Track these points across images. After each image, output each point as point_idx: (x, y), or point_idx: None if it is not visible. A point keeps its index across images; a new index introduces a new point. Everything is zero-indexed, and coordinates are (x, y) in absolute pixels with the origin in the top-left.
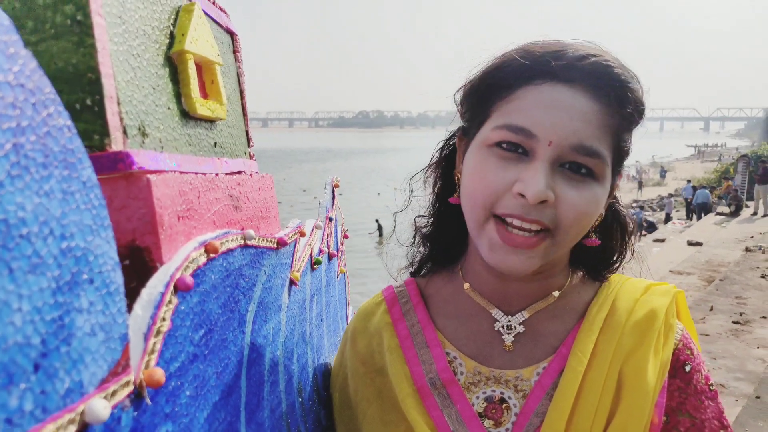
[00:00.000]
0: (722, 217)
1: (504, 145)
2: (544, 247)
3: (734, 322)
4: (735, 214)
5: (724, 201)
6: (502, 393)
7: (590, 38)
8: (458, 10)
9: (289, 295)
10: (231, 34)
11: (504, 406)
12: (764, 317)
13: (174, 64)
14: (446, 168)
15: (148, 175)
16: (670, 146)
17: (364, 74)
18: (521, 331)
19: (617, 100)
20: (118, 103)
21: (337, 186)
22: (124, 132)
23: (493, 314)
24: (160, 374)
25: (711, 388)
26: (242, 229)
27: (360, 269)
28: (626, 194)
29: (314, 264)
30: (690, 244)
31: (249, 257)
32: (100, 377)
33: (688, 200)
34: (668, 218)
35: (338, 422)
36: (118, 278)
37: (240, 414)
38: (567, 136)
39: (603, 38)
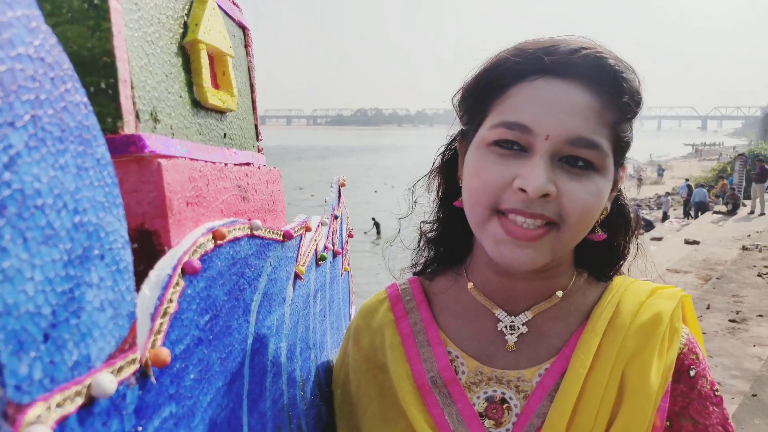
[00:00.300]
0: (719, 215)
1: (502, 143)
2: (549, 240)
3: (731, 321)
4: (732, 212)
5: (721, 200)
6: (503, 393)
7: (590, 37)
8: (458, 10)
9: (294, 288)
10: (243, 28)
11: (505, 406)
12: (761, 315)
13: (187, 54)
14: (448, 172)
15: (159, 160)
16: (667, 145)
17: (362, 72)
18: (524, 332)
19: (612, 90)
20: (132, 88)
21: (343, 185)
22: (137, 116)
23: (496, 314)
24: (165, 354)
25: (716, 393)
26: (249, 220)
27: (355, 269)
28: (624, 192)
29: (319, 260)
30: (687, 242)
31: (255, 247)
32: (107, 352)
33: (685, 199)
34: (665, 217)
35: (339, 418)
36: (127, 256)
37: (243, 402)
38: (563, 129)
39: (603, 38)
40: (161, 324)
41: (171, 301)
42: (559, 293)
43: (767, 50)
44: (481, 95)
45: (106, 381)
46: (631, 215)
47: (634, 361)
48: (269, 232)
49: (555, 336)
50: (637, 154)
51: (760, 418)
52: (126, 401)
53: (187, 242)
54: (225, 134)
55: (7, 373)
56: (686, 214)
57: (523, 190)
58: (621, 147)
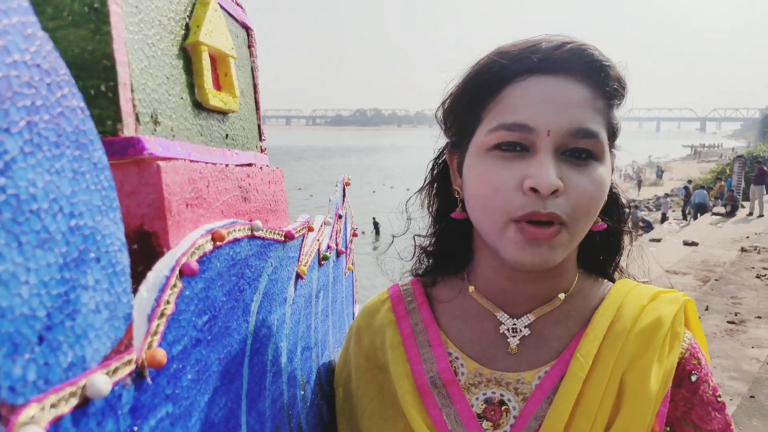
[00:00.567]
0: (718, 217)
1: (503, 146)
2: (562, 239)
3: (729, 322)
4: (731, 214)
5: (720, 201)
6: (501, 395)
7: (589, 38)
8: (458, 10)
9: (295, 288)
10: (246, 28)
11: (503, 408)
12: (759, 317)
13: (188, 56)
14: (441, 186)
15: (159, 162)
16: (666, 146)
17: (362, 72)
18: (526, 335)
19: (600, 79)
20: (132, 90)
21: (348, 184)
22: (137, 119)
23: (498, 317)
24: (161, 355)
25: (719, 399)
26: (250, 220)
27: (361, 272)
28: (623, 194)
29: (322, 259)
30: (686, 244)
31: (256, 248)
32: (102, 354)
33: (683, 200)
34: (664, 218)
35: (340, 417)
36: (124, 259)
37: (241, 401)
38: (564, 122)
39: (601, 38)
40: (158, 325)
41: (168, 302)
42: (562, 296)
43: (767, 52)
44: (470, 103)
45: (101, 382)
46: (624, 201)
47: (634, 366)
48: (270, 232)
49: (556, 339)
50: (636, 155)
51: (758, 420)
52: (122, 401)
53: (186, 244)
54: (227, 135)
55: (1, 375)
56: (684, 216)
57: (534, 190)
58: (613, 133)
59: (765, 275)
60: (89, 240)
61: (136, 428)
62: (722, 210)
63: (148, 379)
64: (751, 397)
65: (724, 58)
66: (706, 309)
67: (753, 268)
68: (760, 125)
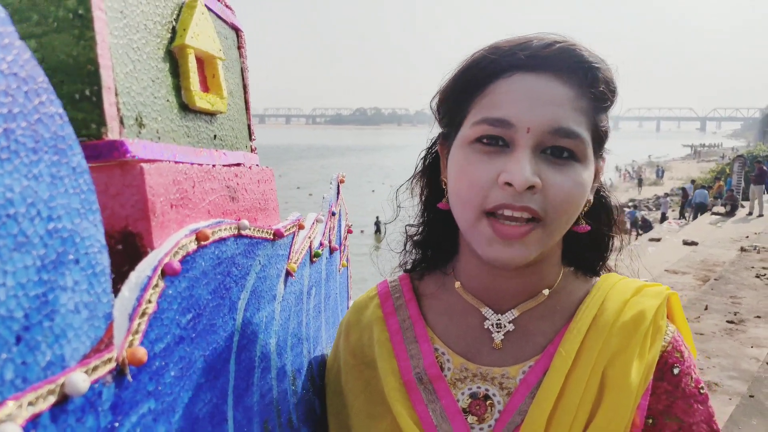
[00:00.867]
0: (718, 216)
1: (484, 140)
2: (535, 236)
3: (729, 322)
4: (730, 214)
5: (719, 201)
6: (487, 390)
7: (589, 39)
8: (458, 9)
9: (285, 285)
10: (236, 30)
11: (488, 402)
12: (758, 317)
13: (175, 58)
14: (431, 175)
15: (142, 164)
16: (666, 146)
17: (362, 71)
18: (511, 330)
19: (587, 80)
20: (116, 94)
21: (342, 182)
22: (121, 122)
23: (483, 312)
24: (142, 353)
25: (701, 391)
26: (238, 220)
27: (357, 270)
28: (623, 193)
29: (313, 257)
30: (685, 243)
31: (243, 247)
32: (82, 353)
33: (681, 201)
34: (664, 218)
35: (330, 413)
36: (104, 260)
37: (228, 397)
38: (543, 120)
39: (602, 38)
40: (139, 324)
41: (150, 301)
42: (546, 291)
43: (767, 52)
44: (459, 95)
45: (79, 380)
46: (613, 205)
47: (616, 360)
48: (258, 231)
49: (540, 334)
50: (636, 154)
51: (757, 419)
52: (102, 398)
53: (169, 244)
54: (215, 136)
55: None
56: (681, 215)
57: (509, 184)
58: (599, 137)
59: (764, 275)
60: (68, 242)
61: (117, 424)
62: (722, 210)
63: (129, 377)
64: (751, 396)
65: (724, 58)
66: (706, 308)
67: (752, 267)
68: (760, 125)
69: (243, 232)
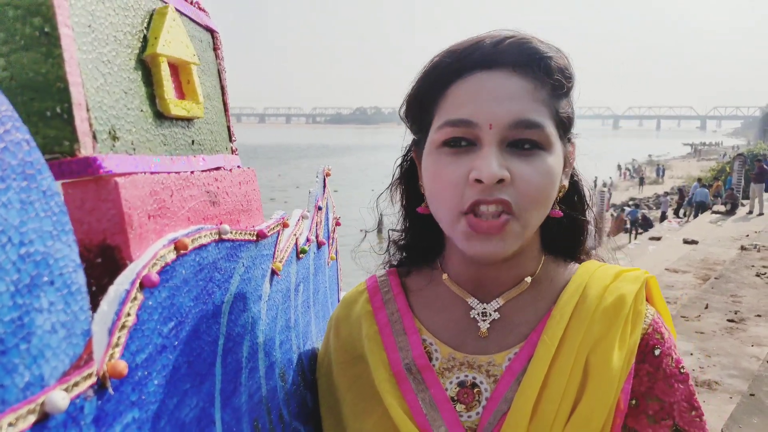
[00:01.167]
0: (718, 215)
1: (451, 142)
2: (511, 229)
3: (729, 320)
4: (731, 212)
5: (719, 200)
6: (474, 378)
7: (589, 39)
8: (457, 10)
9: (271, 284)
10: (211, 31)
11: (476, 390)
12: (759, 315)
13: (148, 67)
14: (409, 181)
15: (116, 178)
16: (666, 145)
17: (362, 71)
18: (496, 318)
19: (541, 71)
20: (87, 110)
21: (328, 175)
22: (94, 137)
23: (468, 302)
24: (122, 366)
25: (681, 371)
26: (219, 224)
27: (357, 269)
28: (624, 192)
29: (300, 253)
30: (686, 242)
31: (225, 251)
32: (61, 370)
33: (677, 201)
34: (664, 216)
35: (323, 406)
36: (79, 279)
37: (215, 400)
38: (504, 115)
39: (602, 38)
40: (119, 337)
41: (129, 314)
42: (528, 279)
43: (763, 51)
44: (422, 102)
45: (58, 398)
46: (585, 190)
47: (598, 346)
48: (240, 233)
49: (524, 323)
50: (636, 153)
51: (758, 417)
52: (84, 413)
53: (147, 256)
54: (193, 141)
55: None
56: (676, 214)
57: (479, 181)
58: (563, 123)
59: (765, 273)
60: (41, 265)
61: None
62: (722, 208)
63: (110, 390)
64: (751, 395)
65: (724, 57)
66: (706, 307)
67: (753, 266)
68: (760, 123)
69: (224, 237)
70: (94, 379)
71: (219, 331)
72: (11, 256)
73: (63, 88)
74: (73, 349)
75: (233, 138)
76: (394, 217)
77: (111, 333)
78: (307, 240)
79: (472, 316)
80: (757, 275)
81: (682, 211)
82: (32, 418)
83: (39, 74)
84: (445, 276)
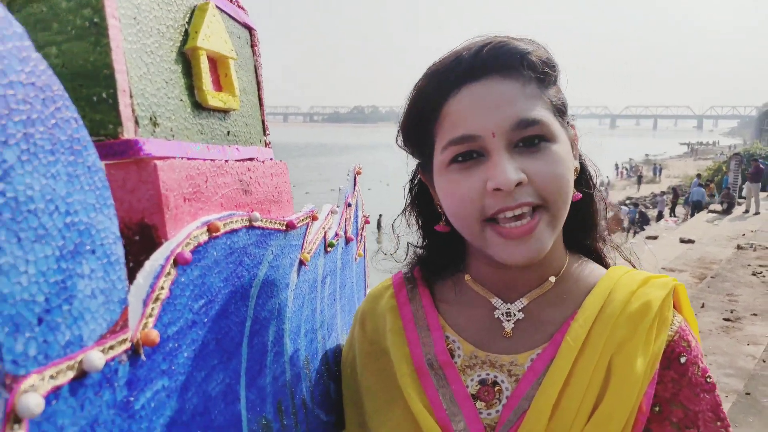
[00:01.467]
0: (714, 214)
1: (459, 158)
2: (543, 224)
3: (725, 319)
4: (727, 211)
5: (715, 199)
6: (495, 377)
7: (587, 38)
8: (459, 9)
9: (299, 274)
10: (249, 29)
11: (496, 389)
12: (755, 314)
13: (188, 60)
14: (422, 204)
15: (156, 161)
16: (663, 144)
17: (359, 70)
18: (521, 318)
19: (525, 68)
20: (131, 96)
21: (359, 173)
22: (136, 122)
23: (492, 302)
24: (155, 335)
25: (708, 380)
26: (250, 212)
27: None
28: (621, 191)
29: (328, 246)
30: (682, 241)
31: (255, 237)
32: (99, 333)
33: (672, 201)
34: (660, 216)
35: (345, 397)
36: (118, 250)
37: (240, 378)
38: (503, 120)
39: (600, 38)
40: (153, 309)
41: (162, 288)
42: (552, 279)
43: (764, 50)
44: (417, 129)
45: (95, 358)
46: (590, 168)
47: (622, 350)
48: (270, 222)
49: (549, 322)
50: (633, 153)
51: (754, 416)
52: (118, 375)
53: (181, 235)
54: (228, 132)
55: (4, 350)
56: (671, 213)
57: (498, 190)
58: (559, 110)
59: (761, 272)
60: (84, 234)
61: (132, 398)
62: (719, 207)
63: (143, 356)
64: (747, 394)
65: (721, 57)
66: (702, 306)
67: (749, 265)
68: (756, 123)
69: (254, 224)
70: (128, 345)
71: (246, 314)
72: (57, 223)
73: (109, 75)
74: (110, 315)
75: (267, 131)
76: (395, 249)
77: (145, 304)
78: (336, 235)
79: (496, 316)
80: (754, 274)
81: (680, 210)
82: (71, 374)
83: (88, 62)
84: (467, 277)
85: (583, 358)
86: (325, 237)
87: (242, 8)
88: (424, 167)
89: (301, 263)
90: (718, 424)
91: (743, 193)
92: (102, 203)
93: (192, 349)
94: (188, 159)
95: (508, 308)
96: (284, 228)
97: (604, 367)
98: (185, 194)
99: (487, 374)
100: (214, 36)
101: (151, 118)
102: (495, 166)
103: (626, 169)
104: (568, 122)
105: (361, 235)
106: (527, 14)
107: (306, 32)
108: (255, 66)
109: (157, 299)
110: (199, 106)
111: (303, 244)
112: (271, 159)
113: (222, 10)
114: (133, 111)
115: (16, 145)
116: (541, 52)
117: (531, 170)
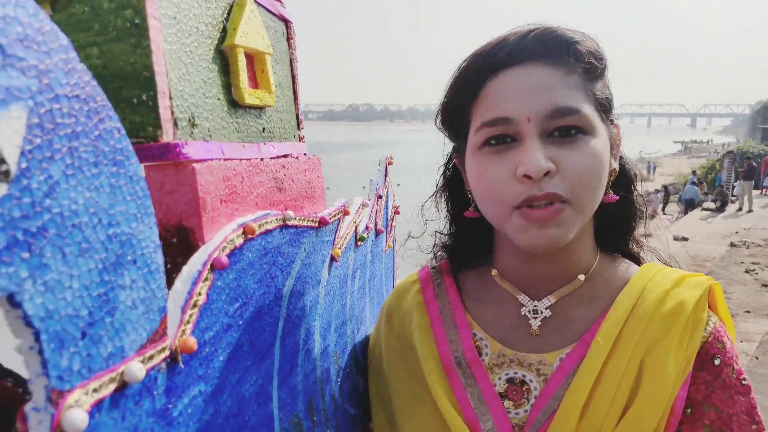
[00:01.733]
0: (708, 212)
1: (492, 141)
2: (566, 216)
3: None
4: (720, 209)
5: (708, 197)
6: (523, 375)
7: (541, 21)
8: (457, 7)
9: (330, 270)
10: (285, 21)
11: (524, 388)
12: (748, 311)
13: (225, 57)
14: (453, 188)
15: (194, 164)
16: (657, 142)
17: (354, 68)
18: (548, 316)
19: (569, 57)
20: (170, 98)
21: (390, 164)
22: (175, 124)
23: (519, 299)
24: (192, 342)
25: (743, 382)
26: (284, 209)
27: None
28: None
29: (358, 240)
30: (676, 239)
31: (288, 236)
32: (139, 343)
33: (663, 200)
34: (653, 213)
35: (372, 393)
36: (158, 259)
37: (273, 378)
38: (540, 106)
39: (599, 37)
40: (191, 315)
41: (200, 294)
42: (581, 277)
43: (757, 49)
44: (456, 109)
45: (136, 369)
46: (632, 171)
47: (654, 350)
48: (303, 220)
49: (578, 321)
50: (627, 151)
51: None
52: (157, 383)
53: (218, 239)
54: (263, 129)
55: (50, 366)
56: (663, 210)
57: (527, 176)
58: (602, 105)
59: (754, 270)
60: (126, 245)
61: (171, 405)
62: (712, 205)
63: (181, 364)
64: None
65: (715, 57)
66: None
67: (742, 262)
68: (749, 121)
69: (288, 223)
70: (167, 353)
71: (279, 313)
72: (100, 236)
73: (149, 78)
74: (150, 324)
75: (301, 125)
76: (422, 233)
77: (183, 310)
78: (366, 228)
79: (523, 313)
80: (747, 272)
81: (674, 208)
82: (113, 386)
83: (128, 63)
84: (494, 272)
85: (613, 358)
86: (356, 231)
87: (279, 0)
88: (458, 150)
89: (333, 259)
90: (753, 427)
91: (735, 191)
92: (143, 212)
93: (227, 352)
94: (225, 160)
95: (535, 306)
96: (316, 225)
97: (635, 368)
98: (222, 196)
99: (515, 373)
100: (252, 32)
101: (189, 119)
102: (526, 151)
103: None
104: (611, 120)
105: (391, 227)
106: (527, 14)
107: (301, 30)
108: (291, 59)
109: (195, 305)
110: (235, 104)
111: (334, 240)
112: (304, 154)
113: (259, 4)
114: (172, 113)
115: (61, 159)
116: (589, 43)
117: (562, 161)
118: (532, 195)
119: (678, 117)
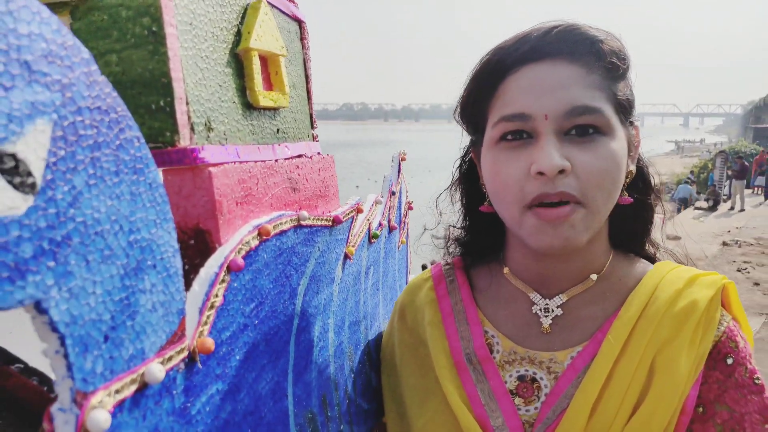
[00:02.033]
0: (700, 211)
1: (508, 137)
2: (579, 217)
3: None
4: (713, 208)
5: (701, 196)
6: (534, 373)
7: (565, 17)
8: (455, 6)
9: (343, 268)
10: (298, 21)
11: (535, 385)
12: None
13: (240, 60)
14: (468, 182)
15: (210, 168)
16: (650, 142)
17: (348, 67)
18: (559, 314)
19: (592, 56)
20: (187, 103)
21: (404, 159)
22: (192, 128)
23: (531, 297)
24: (210, 343)
25: (756, 382)
26: (299, 209)
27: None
28: None
29: (372, 237)
30: (668, 238)
31: (303, 236)
32: (159, 345)
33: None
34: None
35: (385, 388)
36: (177, 263)
37: (288, 375)
38: (558, 104)
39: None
40: (208, 316)
41: (217, 295)
42: (594, 276)
43: (748, 49)
44: (476, 102)
45: (156, 370)
46: (650, 175)
47: (665, 349)
48: (317, 219)
49: (590, 320)
50: None
51: None
52: (176, 383)
53: (234, 241)
54: (278, 130)
55: (75, 369)
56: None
57: (541, 173)
58: (622, 106)
59: (746, 269)
60: (146, 250)
61: (189, 405)
62: (704, 204)
63: (199, 364)
64: None
65: (707, 55)
66: None
67: (734, 261)
68: (741, 121)
69: (302, 223)
70: (185, 354)
71: (294, 312)
72: (122, 242)
73: (167, 84)
74: (170, 326)
75: (315, 125)
76: (436, 225)
77: (201, 312)
78: (380, 224)
79: (534, 311)
80: (739, 270)
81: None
82: (134, 387)
83: (146, 70)
84: (506, 270)
85: (624, 357)
86: (369, 228)
87: (292, 1)
88: (475, 144)
89: (346, 257)
90: (766, 426)
91: (727, 190)
92: (162, 218)
93: (243, 351)
94: (240, 162)
95: (547, 304)
96: (330, 224)
97: (646, 367)
98: (237, 198)
99: (526, 370)
100: (266, 35)
101: (205, 124)
102: (541, 149)
103: None
104: (631, 122)
105: (404, 222)
106: (520, 17)
107: None
108: (304, 59)
109: (212, 306)
110: (250, 107)
111: (348, 238)
112: (318, 153)
113: (273, 5)
114: (189, 118)
115: (84, 170)
116: (613, 42)
117: (577, 160)
118: (544, 192)
119: (671, 116)
